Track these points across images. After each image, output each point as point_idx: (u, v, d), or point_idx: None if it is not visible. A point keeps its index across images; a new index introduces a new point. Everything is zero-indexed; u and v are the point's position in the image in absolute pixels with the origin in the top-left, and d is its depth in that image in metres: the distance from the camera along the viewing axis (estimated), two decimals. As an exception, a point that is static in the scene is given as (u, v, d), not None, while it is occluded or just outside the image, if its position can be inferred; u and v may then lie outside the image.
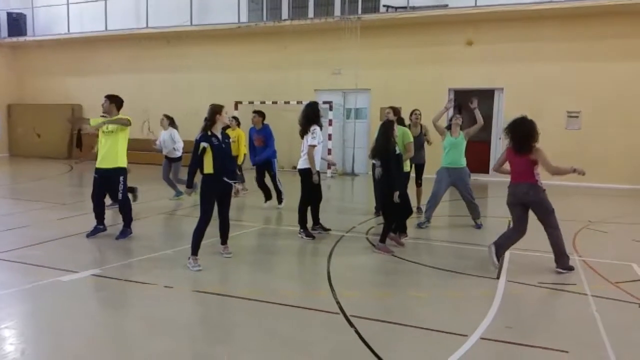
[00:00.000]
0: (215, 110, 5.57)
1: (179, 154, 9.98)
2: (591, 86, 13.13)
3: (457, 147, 7.55)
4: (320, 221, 7.37)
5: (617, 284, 5.14)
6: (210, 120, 5.55)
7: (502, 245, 5.68)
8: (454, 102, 7.73)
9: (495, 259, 5.57)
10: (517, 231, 5.68)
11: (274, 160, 9.35)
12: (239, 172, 9.98)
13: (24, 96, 20.34)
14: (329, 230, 7.35)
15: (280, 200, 9.38)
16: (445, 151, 7.66)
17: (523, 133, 5.47)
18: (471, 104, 7.64)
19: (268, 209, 9.25)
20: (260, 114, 9.42)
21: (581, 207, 9.88)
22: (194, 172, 5.58)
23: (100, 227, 6.94)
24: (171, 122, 10.04)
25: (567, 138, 13.09)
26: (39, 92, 19.98)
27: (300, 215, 7.06)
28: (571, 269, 5.56)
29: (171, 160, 10.00)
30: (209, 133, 5.54)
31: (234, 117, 10.33)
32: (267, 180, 9.48)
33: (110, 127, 6.71)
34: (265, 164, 9.30)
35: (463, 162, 7.62)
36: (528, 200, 5.52)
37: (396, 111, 7.48)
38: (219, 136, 5.60)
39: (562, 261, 5.56)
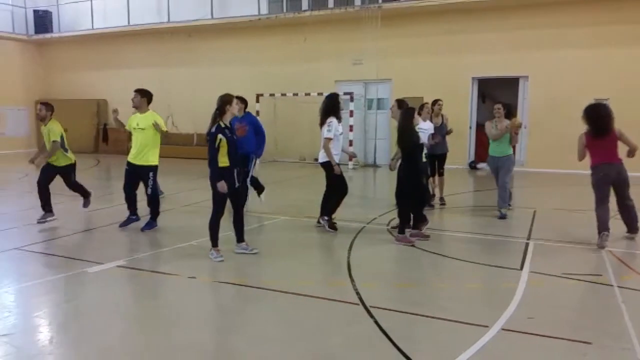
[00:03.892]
0: (225, 101, 5.51)
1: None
2: (618, 72, 12.77)
3: (502, 137, 7.85)
4: (334, 217, 7.03)
5: (644, 275, 5.03)
6: (220, 111, 5.49)
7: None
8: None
9: None
10: (605, 206, 6.04)
11: (253, 156, 8.15)
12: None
13: (51, 92, 20.81)
14: (335, 223, 6.99)
15: (259, 192, 8.42)
16: (491, 141, 8.04)
17: (607, 115, 6.00)
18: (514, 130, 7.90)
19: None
20: (242, 100, 8.48)
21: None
22: (218, 166, 5.44)
23: (133, 217, 7.05)
24: None
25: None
26: (65, 87, 20.43)
27: (324, 206, 7.01)
28: None
29: None
30: (222, 125, 5.48)
31: None
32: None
33: (141, 124, 6.77)
34: (243, 159, 7.68)
35: (508, 150, 7.93)
36: (620, 179, 5.98)
37: (402, 104, 6.80)
38: (229, 127, 5.57)
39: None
